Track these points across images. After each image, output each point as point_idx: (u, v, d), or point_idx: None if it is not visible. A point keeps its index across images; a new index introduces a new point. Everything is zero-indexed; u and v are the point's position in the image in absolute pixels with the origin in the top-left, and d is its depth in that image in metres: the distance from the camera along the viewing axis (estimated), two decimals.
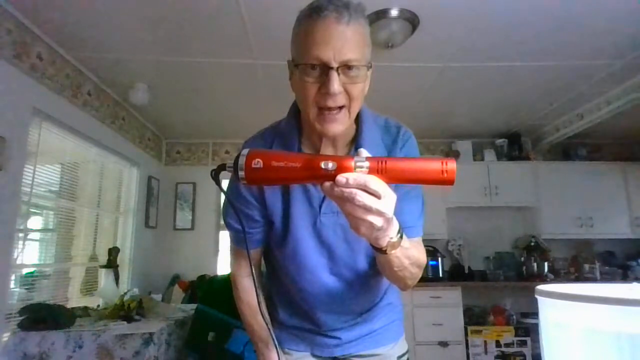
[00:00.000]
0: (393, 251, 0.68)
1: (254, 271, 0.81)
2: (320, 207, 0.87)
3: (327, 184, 0.57)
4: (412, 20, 2.24)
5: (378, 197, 0.56)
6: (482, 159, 4.38)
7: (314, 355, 0.99)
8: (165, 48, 2.55)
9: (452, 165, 0.56)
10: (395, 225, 0.65)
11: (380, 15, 2.19)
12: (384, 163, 0.57)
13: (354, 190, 0.55)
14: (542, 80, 3.06)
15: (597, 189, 4.16)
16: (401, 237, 0.68)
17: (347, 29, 0.73)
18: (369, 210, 0.56)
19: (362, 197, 0.55)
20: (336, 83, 0.72)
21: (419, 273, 0.82)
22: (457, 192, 4.16)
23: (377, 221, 0.58)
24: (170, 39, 2.44)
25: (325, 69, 0.73)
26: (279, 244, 0.92)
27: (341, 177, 0.55)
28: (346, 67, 0.73)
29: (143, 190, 3.95)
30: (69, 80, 2.67)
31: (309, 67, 0.74)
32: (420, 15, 2.21)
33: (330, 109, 0.75)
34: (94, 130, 3.00)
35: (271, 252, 0.98)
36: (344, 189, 0.56)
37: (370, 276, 0.93)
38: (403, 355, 1.03)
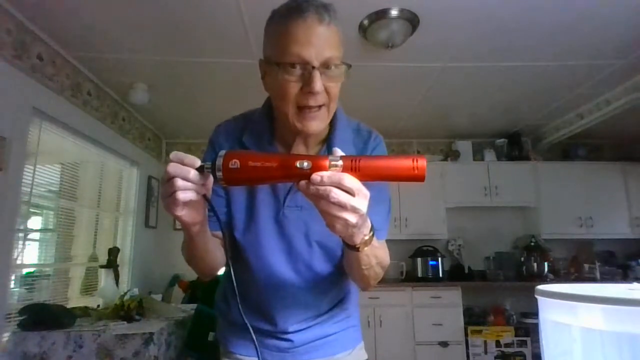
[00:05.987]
0: (365, 248, 0.70)
1: (227, 258, 0.76)
2: (284, 199, 0.88)
3: (303, 182, 0.59)
4: (412, 20, 2.24)
5: (352, 194, 0.58)
6: (482, 159, 4.38)
7: None
8: (165, 48, 2.55)
9: (422, 162, 0.58)
10: (368, 223, 0.67)
11: (380, 15, 2.19)
12: (357, 161, 0.59)
13: (329, 188, 0.57)
14: (542, 80, 3.06)
15: (597, 189, 4.17)
16: (373, 235, 0.70)
17: (327, 30, 0.76)
18: (343, 207, 0.58)
19: (337, 194, 0.57)
20: (319, 82, 0.75)
21: (381, 274, 0.86)
22: (457, 192, 4.17)
23: (352, 218, 0.59)
24: (170, 39, 2.44)
25: (306, 68, 0.75)
26: (242, 232, 0.91)
27: (316, 176, 0.57)
28: (326, 66, 0.76)
29: (143, 190, 3.95)
30: (69, 80, 2.67)
31: (289, 66, 0.75)
32: (420, 15, 2.21)
33: (310, 107, 0.78)
34: (94, 130, 3.00)
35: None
36: (319, 187, 0.57)
37: (327, 276, 0.93)
38: None
